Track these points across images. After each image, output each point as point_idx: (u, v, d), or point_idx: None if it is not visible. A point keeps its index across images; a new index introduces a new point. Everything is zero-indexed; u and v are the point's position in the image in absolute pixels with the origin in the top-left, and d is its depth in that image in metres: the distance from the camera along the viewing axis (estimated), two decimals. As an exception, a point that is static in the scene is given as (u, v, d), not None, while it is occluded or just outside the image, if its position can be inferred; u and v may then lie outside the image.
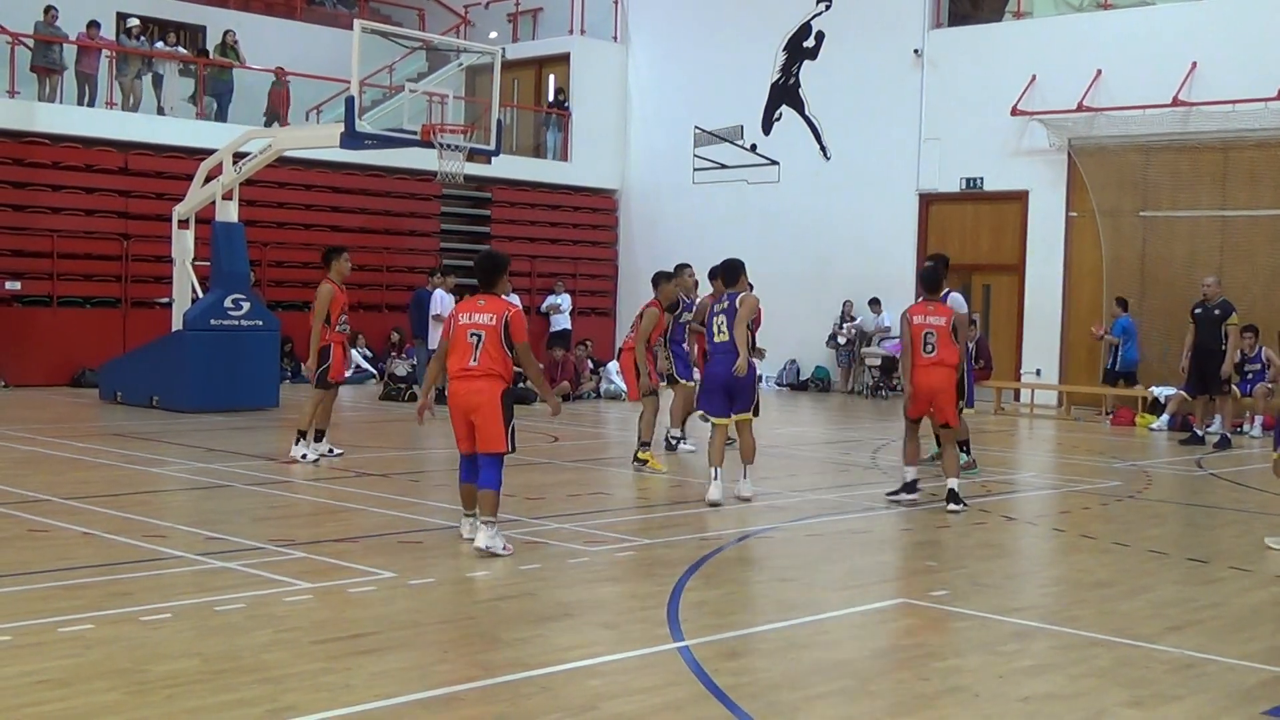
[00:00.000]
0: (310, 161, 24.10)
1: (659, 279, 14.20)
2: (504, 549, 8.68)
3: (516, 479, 12.37)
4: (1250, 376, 18.65)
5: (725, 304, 11.47)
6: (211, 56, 24.72)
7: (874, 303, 25.02)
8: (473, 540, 8.82)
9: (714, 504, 11.02)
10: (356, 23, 18.11)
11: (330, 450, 13.58)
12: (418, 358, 21.54)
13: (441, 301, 19.99)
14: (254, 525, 9.73)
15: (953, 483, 11.17)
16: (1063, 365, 23.07)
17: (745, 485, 11.48)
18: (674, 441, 14.79)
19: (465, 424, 8.83)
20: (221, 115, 24.22)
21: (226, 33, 25.00)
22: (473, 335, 8.80)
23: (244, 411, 17.69)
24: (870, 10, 25.38)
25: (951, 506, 11.03)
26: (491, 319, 8.81)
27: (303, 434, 13.29)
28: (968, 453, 13.53)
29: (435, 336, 19.97)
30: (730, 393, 11.25)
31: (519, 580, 8.07)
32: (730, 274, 11.62)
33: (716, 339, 11.37)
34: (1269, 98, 20.32)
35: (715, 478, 11.20)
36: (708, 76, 27.76)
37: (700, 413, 11.90)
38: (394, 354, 23.68)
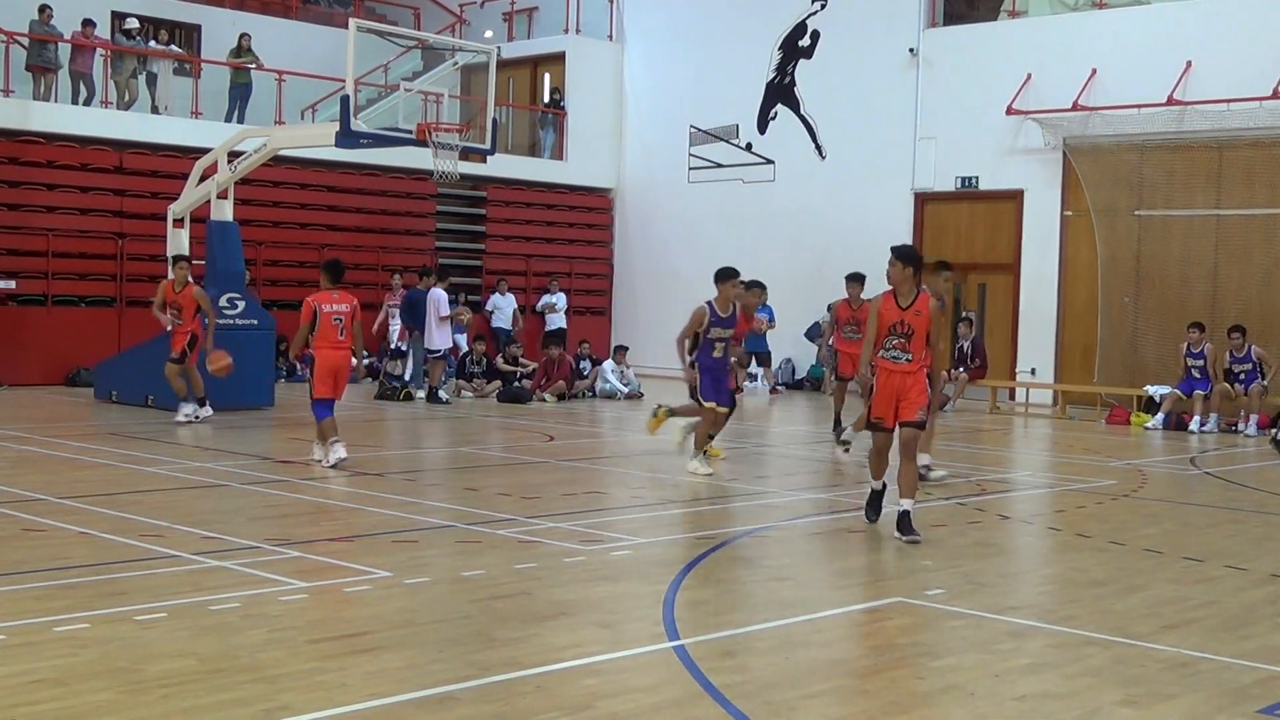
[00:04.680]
0: (306, 160, 24.06)
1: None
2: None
3: (512, 478, 12.39)
4: (1242, 376, 18.70)
5: None
6: (227, 59, 24.70)
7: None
8: (322, 461, 12.64)
9: None
10: (352, 21, 18.08)
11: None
12: (414, 355, 21.48)
13: (442, 301, 20.14)
14: (249, 524, 9.72)
15: (906, 504, 9.66)
16: (1058, 364, 23.07)
17: None
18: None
19: (334, 378, 12.75)
20: (240, 118, 24.22)
21: (242, 36, 24.94)
22: (336, 319, 12.70)
23: (239, 411, 17.66)
24: (865, 9, 25.37)
25: (898, 535, 9.54)
26: (347, 307, 12.83)
27: None
28: None
29: (439, 335, 20.21)
30: None
31: (515, 579, 8.06)
32: None
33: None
34: (1263, 96, 20.31)
35: None
36: (703, 75, 27.75)
37: None
38: (389, 353, 23.62)
